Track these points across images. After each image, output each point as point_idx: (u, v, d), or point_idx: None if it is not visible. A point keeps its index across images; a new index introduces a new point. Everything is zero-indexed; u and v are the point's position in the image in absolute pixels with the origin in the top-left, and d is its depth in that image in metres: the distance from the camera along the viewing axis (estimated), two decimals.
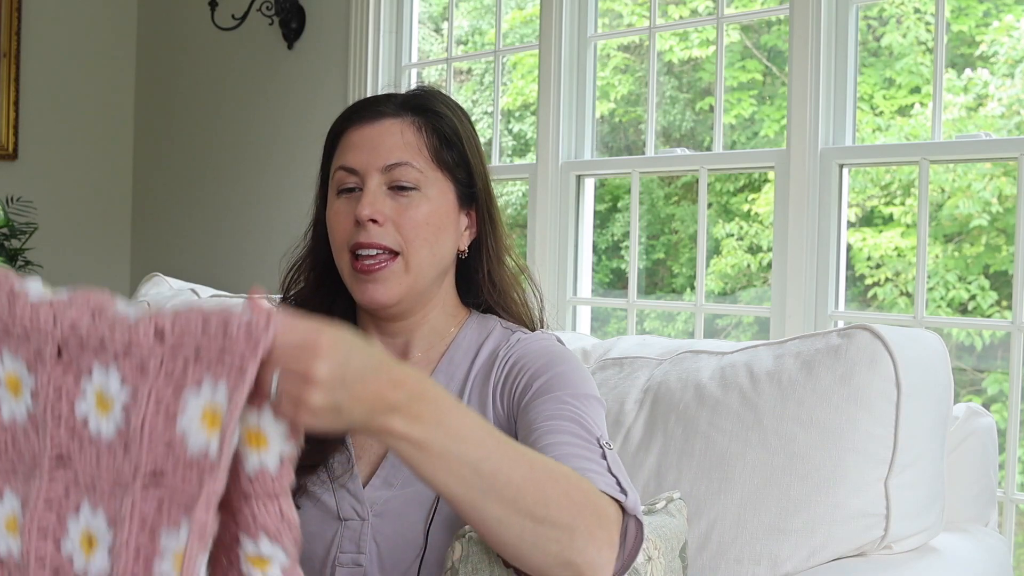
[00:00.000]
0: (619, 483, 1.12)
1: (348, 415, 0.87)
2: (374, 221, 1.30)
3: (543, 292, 1.49)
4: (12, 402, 0.94)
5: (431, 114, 1.36)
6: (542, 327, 1.45)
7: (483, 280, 1.41)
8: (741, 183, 4.95)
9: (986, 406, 2.13)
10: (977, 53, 4.49)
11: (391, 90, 1.45)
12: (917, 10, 4.57)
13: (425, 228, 1.32)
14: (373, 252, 1.30)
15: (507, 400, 1.31)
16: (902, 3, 4.57)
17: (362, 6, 3.39)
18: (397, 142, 1.33)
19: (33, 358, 0.92)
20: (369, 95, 3.05)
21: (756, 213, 4.88)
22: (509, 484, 0.98)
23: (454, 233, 1.36)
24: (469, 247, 1.39)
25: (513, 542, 1.01)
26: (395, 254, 1.30)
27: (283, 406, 0.84)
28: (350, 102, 3.39)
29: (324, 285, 1.41)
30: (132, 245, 4.44)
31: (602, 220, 4.87)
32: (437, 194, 1.34)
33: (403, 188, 1.32)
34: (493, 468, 0.97)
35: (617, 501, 1.08)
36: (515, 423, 1.29)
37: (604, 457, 1.16)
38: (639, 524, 1.10)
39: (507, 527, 0.99)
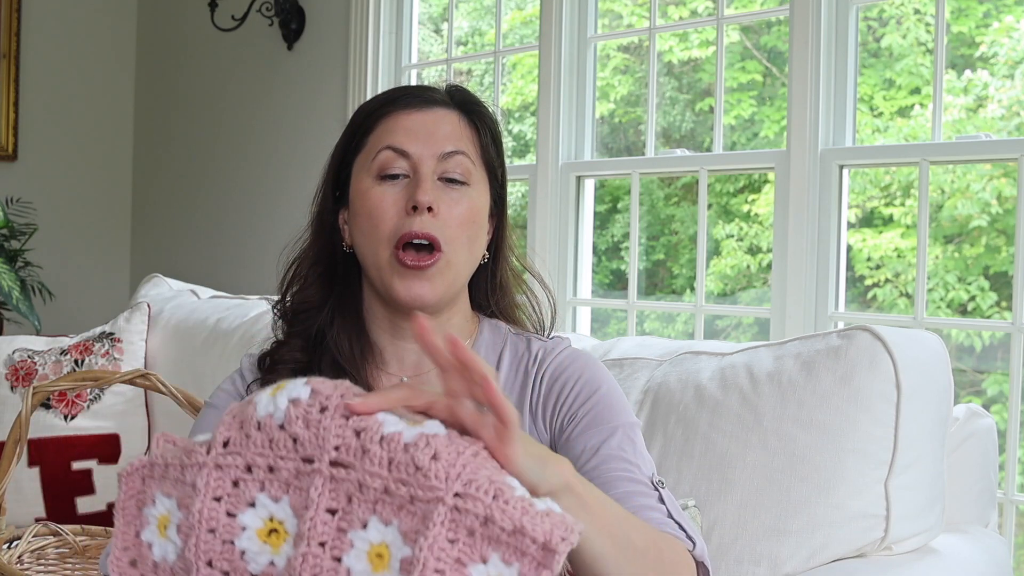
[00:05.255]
0: (683, 527, 1.14)
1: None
2: (430, 210, 1.24)
3: (555, 297, 1.46)
4: (270, 554, 0.85)
5: (478, 113, 1.33)
6: (548, 331, 1.43)
7: (494, 286, 1.38)
8: (741, 184, 4.95)
9: (986, 407, 2.13)
10: (977, 54, 4.49)
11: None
12: (917, 11, 4.57)
13: (470, 226, 1.28)
14: (425, 243, 1.24)
15: (549, 420, 1.30)
16: (902, 4, 4.56)
17: (362, 7, 3.39)
18: (454, 131, 1.29)
19: (301, 505, 0.83)
20: (371, 95, 3.06)
21: (756, 214, 4.88)
22: (636, 548, 1.00)
23: (484, 236, 1.33)
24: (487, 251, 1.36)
25: None
26: (439, 250, 1.25)
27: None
28: (350, 103, 3.39)
29: (328, 284, 1.34)
30: (132, 245, 4.44)
31: (602, 221, 4.86)
32: (480, 193, 1.30)
33: (454, 181, 1.27)
34: (627, 531, 0.99)
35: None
36: (555, 443, 1.28)
37: (662, 501, 1.17)
38: (706, 571, 1.13)
39: None
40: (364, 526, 0.81)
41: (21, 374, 2.51)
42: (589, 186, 2.94)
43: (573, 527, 0.78)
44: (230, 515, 0.85)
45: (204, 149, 4.09)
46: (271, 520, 0.84)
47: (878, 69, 4.71)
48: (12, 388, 2.50)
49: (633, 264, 2.79)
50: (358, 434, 0.82)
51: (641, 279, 4.54)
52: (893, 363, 1.47)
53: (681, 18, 4.64)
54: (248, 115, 3.88)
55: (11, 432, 1.40)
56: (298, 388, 0.85)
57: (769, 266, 3.42)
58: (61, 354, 2.54)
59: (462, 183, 1.28)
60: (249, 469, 0.85)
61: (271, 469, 0.84)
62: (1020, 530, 3.45)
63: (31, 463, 2.44)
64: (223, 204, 4.00)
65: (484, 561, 0.78)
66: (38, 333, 3.27)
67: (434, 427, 0.83)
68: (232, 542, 0.84)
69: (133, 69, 4.41)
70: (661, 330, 4.86)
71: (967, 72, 4.48)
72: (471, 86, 4.99)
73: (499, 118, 1.37)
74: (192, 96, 4.14)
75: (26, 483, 2.43)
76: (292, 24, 3.64)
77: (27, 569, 1.65)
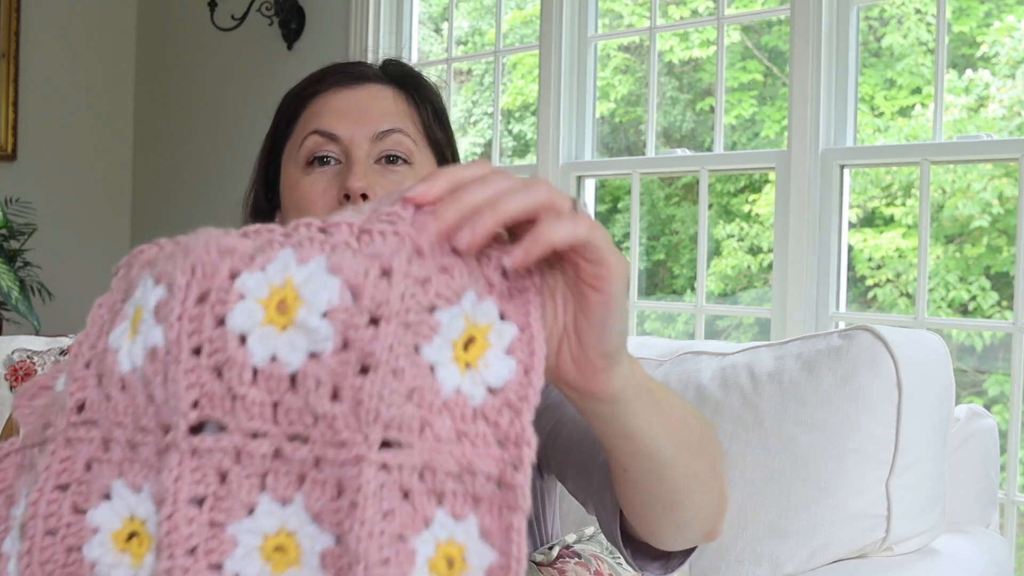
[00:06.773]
0: None
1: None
2: (365, 197, 1.07)
3: None
4: (130, 567, 0.58)
5: (418, 87, 1.18)
6: None
7: None
8: (742, 184, 4.95)
9: (987, 407, 2.12)
10: (978, 54, 4.49)
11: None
12: (918, 11, 4.56)
13: None
14: None
15: None
16: (903, 4, 4.56)
17: (362, 6, 3.38)
18: (388, 108, 1.14)
19: (160, 498, 0.58)
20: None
21: (757, 214, 4.88)
22: (692, 433, 0.81)
23: None
24: None
25: (703, 497, 0.84)
26: None
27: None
28: None
29: None
30: (132, 245, 4.44)
31: (602, 221, 4.86)
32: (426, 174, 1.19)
33: (395, 159, 1.12)
34: (684, 414, 0.80)
35: None
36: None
37: None
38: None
39: (700, 480, 0.82)
40: (250, 511, 0.56)
41: (20, 374, 2.51)
42: (589, 186, 2.93)
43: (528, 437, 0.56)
44: (78, 511, 0.59)
45: (204, 149, 4.08)
46: (131, 519, 0.58)
47: (879, 69, 4.70)
48: (11, 388, 2.50)
49: (633, 264, 2.79)
50: (219, 373, 0.56)
51: (641, 279, 4.54)
52: (894, 363, 1.46)
53: (682, 18, 4.63)
54: (248, 115, 3.88)
55: (3, 431, 1.40)
56: (154, 332, 0.59)
57: (770, 266, 3.42)
58: (61, 354, 2.54)
59: (404, 161, 1.13)
60: (107, 446, 0.59)
61: (132, 445, 0.59)
62: (1021, 531, 3.44)
63: None
64: (223, 204, 4.00)
65: (427, 524, 0.55)
66: (37, 333, 3.27)
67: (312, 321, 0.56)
68: (79, 549, 0.59)
69: (133, 69, 4.41)
70: (662, 330, 4.86)
71: (968, 72, 4.48)
72: (471, 86, 4.99)
73: (440, 91, 1.22)
74: (192, 96, 4.14)
75: None
76: (292, 24, 3.63)
77: None
